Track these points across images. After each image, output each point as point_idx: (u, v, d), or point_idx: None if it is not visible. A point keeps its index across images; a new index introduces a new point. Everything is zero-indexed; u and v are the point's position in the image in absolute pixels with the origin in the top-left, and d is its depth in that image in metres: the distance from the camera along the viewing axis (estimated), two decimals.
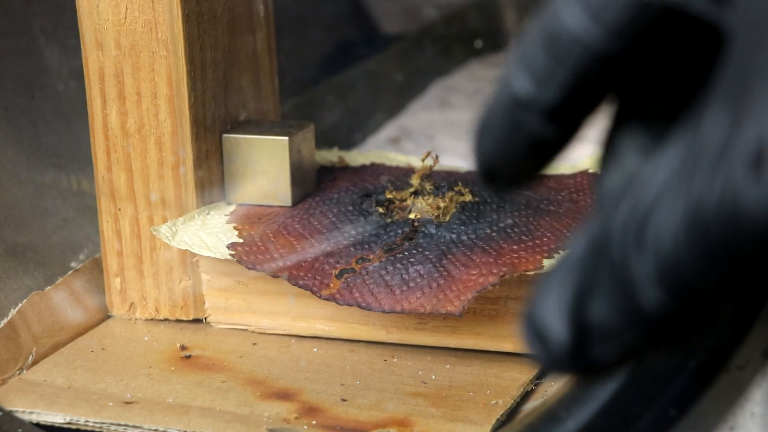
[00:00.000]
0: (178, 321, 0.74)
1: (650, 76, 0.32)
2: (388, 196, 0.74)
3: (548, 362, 0.32)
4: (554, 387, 0.65)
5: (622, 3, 0.31)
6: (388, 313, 0.66)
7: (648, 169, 0.31)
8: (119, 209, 0.73)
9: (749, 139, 0.28)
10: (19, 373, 0.68)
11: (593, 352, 0.32)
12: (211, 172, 0.74)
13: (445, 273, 0.66)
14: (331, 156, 0.83)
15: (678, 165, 0.30)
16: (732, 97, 0.29)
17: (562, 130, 0.33)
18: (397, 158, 0.83)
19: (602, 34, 0.31)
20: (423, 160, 0.76)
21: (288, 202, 0.75)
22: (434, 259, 0.67)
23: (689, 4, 0.31)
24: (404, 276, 0.66)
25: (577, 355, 0.32)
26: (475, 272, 0.65)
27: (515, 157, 0.34)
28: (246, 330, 0.73)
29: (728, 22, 0.30)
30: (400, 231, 0.70)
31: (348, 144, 1.06)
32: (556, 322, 0.32)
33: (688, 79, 0.32)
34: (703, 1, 0.30)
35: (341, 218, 0.72)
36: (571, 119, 0.34)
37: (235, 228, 0.72)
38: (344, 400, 0.64)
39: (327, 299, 0.67)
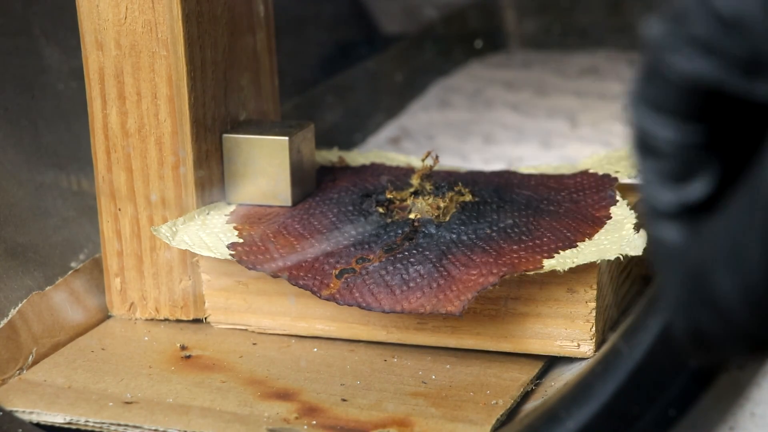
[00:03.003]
0: (178, 321, 0.74)
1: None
2: (388, 196, 0.74)
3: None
4: (554, 387, 0.65)
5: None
6: (388, 313, 0.66)
7: (713, 225, 0.33)
8: (119, 209, 0.73)
9: None
10: (19, 373, 0.68)
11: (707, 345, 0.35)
12: (211, 172, 0.74)
13: (445, 273, 0.66)
14: (331, 156, 0.83)
15: (738, 231, 0.32)
16: None
17: None
18: (397, 158, 0.83)
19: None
20: (423, 160, 0.76)
21: (288, 202, 0.75)
22: (434, 259, 0.67)
23: (725, 83, 0.32)
24: (404, 276, 0.66)
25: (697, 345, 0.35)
26: (475, 272, 0.65)
27: None
28: (246, 330, 0.73)
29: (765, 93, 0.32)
30: (400, 231, 0.70)
31: (348, 144, 1.06)
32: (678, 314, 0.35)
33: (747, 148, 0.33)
34: (736, 79, 0.31)
35: (341, 218, 0.72)
36: None
37: (235, 228, 0.72)
38: (344, 400, 0.64)
39: (327, 299, 0.67)
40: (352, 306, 0.66)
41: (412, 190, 0.74)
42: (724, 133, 0.34)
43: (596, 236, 0.69)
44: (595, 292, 0.66)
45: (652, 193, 0.35)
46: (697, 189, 0.34)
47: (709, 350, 0.35)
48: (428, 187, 0.74)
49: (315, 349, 0.71)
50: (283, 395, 0.65)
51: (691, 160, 0.34)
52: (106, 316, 0.75)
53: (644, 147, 0.34)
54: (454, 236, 0.69)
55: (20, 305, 0.70)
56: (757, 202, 0.31)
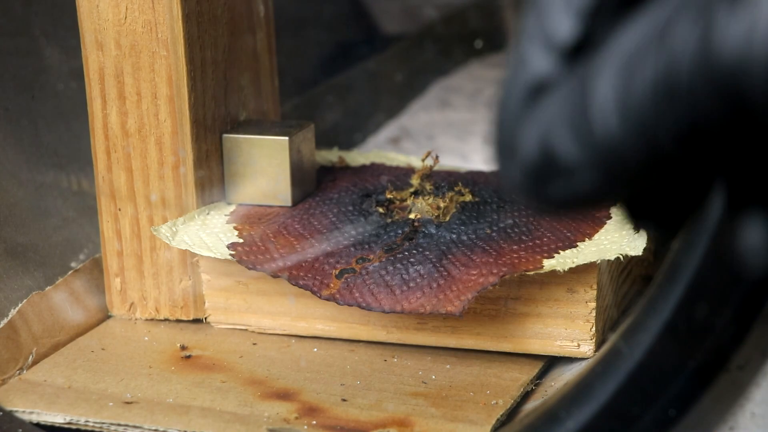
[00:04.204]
0: (178, 321, 0.74)
1: None
2: (388, 196, 0.74)
3: (511, 178, 0.33)
4: (554, 387, 0.65)
5: None
6: (388, 313, 0.66)
7: (635, 20, 0.31)
8: (119, 209, 0.73)
9: None
10: (19, 373, 0.68)
11: (554, 184, 0.32)
12: (211, 172, 0.74)
13: (445, 273, 0.66)
14: (331, 156, 0.83)
15: (659, 21, 0.30)
16: None
17: None
18: (397, 158, 0.83)
19: None
20: (423, 160, 0.76)
21: (288, 202, 0.75)
22: (434, 259, 0.67)
23: None
24: (404, 276, 0.66)
25: (540, 181, 0.32)
26: (475, 272, 0.65)
27: None
28: (246, 330, 0.73)
29: None
30: (400, 231, 0.70)
31: (348, 144, 1.06)
32: (530, 143, 0.32)
33: None
34: None
35: (341, 218, 0.72)
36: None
37: (235, 228, 0.72)
38: (344, 400, 0.64)
39: (327, 299, 0.67)
40: (352, 306, 0.66)
41: (412, 190, 0.74)
42: None
43: (596, 236, 0.69)
44: (595, 292, 0.66)
45: (551, 23, 0.33)
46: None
47: (557, 179, 0.32)
48: (428, 187, 0.74)
49: (315, 349, 0.71)
50: (283, 395, 0.65)
51: None
52: (106, 316, 0.75)
53: None
54: (454, 236, 0.69)
55: (20, 305, 0.70)
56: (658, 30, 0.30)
